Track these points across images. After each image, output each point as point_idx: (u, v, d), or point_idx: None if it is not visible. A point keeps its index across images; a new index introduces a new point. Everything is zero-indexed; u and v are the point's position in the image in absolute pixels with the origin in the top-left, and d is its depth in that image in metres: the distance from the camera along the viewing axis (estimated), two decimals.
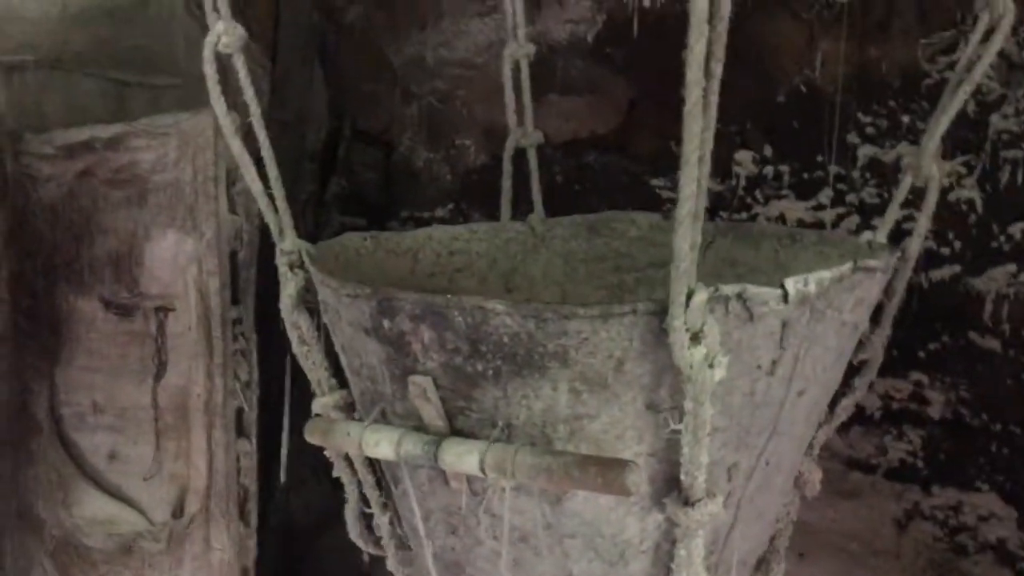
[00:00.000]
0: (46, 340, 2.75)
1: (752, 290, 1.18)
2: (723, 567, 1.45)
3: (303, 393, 3.29)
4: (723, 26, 1.05)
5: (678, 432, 1.20)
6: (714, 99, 1.08)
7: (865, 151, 2.55)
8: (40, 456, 2.77)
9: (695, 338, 1.13)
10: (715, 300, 1.15)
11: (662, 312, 1.14)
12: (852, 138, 2.57)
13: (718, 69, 1.07)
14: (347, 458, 1.62)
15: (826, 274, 1.26)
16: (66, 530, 2.73)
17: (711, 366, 1.14)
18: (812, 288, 1.24)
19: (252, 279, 2.57)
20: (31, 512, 2.80)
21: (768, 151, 2.70)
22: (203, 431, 2.54)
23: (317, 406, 1.60)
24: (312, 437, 1.45)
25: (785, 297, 1.21)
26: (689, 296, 1.12)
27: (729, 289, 1.17)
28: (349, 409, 1.59)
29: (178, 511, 2.62)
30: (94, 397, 2.73)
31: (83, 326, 2.70)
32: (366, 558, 2.74)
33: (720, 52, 1.06)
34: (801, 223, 2.64)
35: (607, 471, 1.17)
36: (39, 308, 2.77)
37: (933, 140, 1.51)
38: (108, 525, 2.67)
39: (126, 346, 2.67)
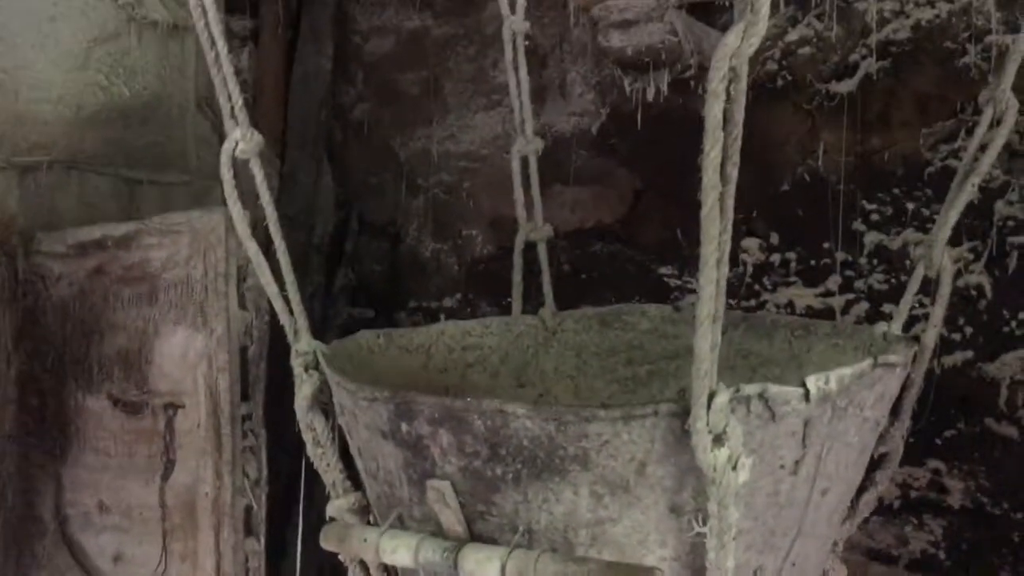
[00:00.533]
0: (53, 439, 2.73)
1: (773, 390, 1.17)
2: None
3: (311, 490, 3.25)
4: (737, 131, 1.07)
5: (702, 535, 1.18)
6: (730, 202, 1.09)
7: (871, 238, 2.57)
8: (45, 559, 2.73)
9: (718, 440, 1.12)
10: (737, 401, 1.14)
11: (684, 413, 1.13)
12: (857, 225, 2.59)
13: (734, 173, 1.08)
14: (363, 564, 1.59)
15: (847, 371, 1.25)
16: None
17: (734, 468, 1.13)
18: (833, 386, 1.23)
19: (262, 375, 2.56)
20: None
21: (775, 239, 2.72)
22: (211, 531, 2.50)
23: (331, 509, 1.58)
24: (328, 543, 1.43)
25: (807, 396, 1.20)
26: (711, 397, 1.11)
27: (751, 389, 1.16)
28: (364, 512, 1.56)
29: None
30: (100, 496, 2.69)
31: (91, 424, 2.68)
32: None
33: (735, 156, 1.07)
34: (810, 309, 2.64)
35: None
36: (47, 407, 2.76)
37: (944, 231, 1.52)
38: None
39: (134, 444, 2.64)
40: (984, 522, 2.44)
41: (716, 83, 1.05)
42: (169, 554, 2.56)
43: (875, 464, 1.59)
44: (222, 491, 2.50)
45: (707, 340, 1.10)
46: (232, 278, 2.50)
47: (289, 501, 3.28)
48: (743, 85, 1.06)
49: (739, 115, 1.07)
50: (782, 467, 1.24)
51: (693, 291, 2.86)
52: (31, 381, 2.76)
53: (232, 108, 1.50)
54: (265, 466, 2.56)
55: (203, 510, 2.51)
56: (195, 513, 2.54)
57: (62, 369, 2.73)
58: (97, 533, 2.69)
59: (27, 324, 2.76)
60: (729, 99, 1.05)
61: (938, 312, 1.56)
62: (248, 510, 2.53)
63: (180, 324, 2.55)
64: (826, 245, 2.63)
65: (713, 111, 1.04)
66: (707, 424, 1.11)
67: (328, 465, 1.58)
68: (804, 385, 1.21)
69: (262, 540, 2.54)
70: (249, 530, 2.53)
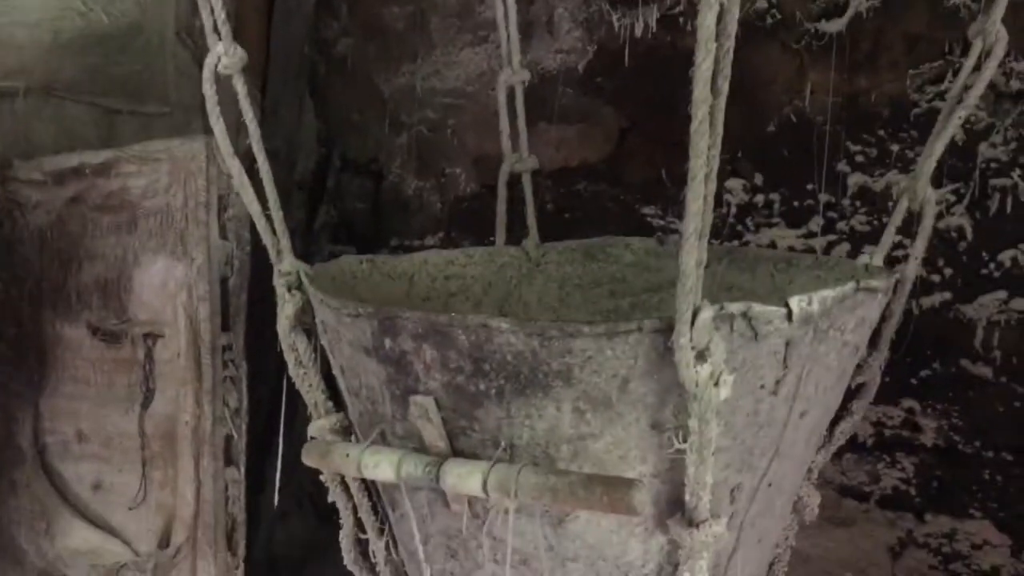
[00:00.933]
0: (31, 368, 2.72)
1: (757, 308, 1.18)
2: None
3: (291, 422, 3.25)
4: (729, 43, 1.06)
5: (682, 452, 1.19)
6: (720, 116, 1.08)
7: (855, 179, 2.58)
8: (23, 486, 2.73)
9: (701, 356, 1.13)
10: (721, 318, 1.15)
11: (667, 330, 1.14)
12: (842, 167, 2.59)
13: (725, 86, 1.07)
14: (343, 482, 1.60)
15: (829, 293, 1.26)
16: (48, 561, 2.67)
17: (716, 384, 1.14)
18: (815, 307, 1.24)
19: (243, 306, 2.54)
20: (13, 543, 2.74)
21: (759, 179, 2.72)
22: (191, 459, 2.50)
23: (313, 429, 1.58)
24: (309, 459, 1.43)
25: (789, 316, 1.21)
26: (695, 314, 1.11)
27: (735, 307, 1.17)
28: (345, 432, 1.57)
29: (164, 542, 2.57)
30: (79, 426, 2.68)
31: (69, 353, 2.67)
32: None
33: (727, 69, 1.06)
34: (792, 250, 2.65)
35: (613, 490, 1.16)
36: (25, 336, 2.74)
37: (929, 164, 1.52)
38: (92, 556, 2.62)
39: (113, 373, 2.63)
40: (956, 460, 2.48)
41: None
42: (149, 482, 2.57)
43: (852, 394, 1.61)
44: (202, 420, 2.50)
45: (692, 256, 1.10)
46: (213, 207, 2.48)
47: (269, 433, 3.29)
48: None
49: (732, 26, 1.06)
50: (762, 387, 1.26)
51: (676, 231, 2.86)
52: (8, 309, 2.74)
53: (215, 21, 1.48)
54: (245, 396, 2.56)
55: (183, 439, 2.52)
56: (175, 442, 2.55)
57: (40, 298, 2.70)
58: (76, 461, 2.69)
59: (3, 252, 2.72)
60: (722, 9, 1.04)
61: (919, 245, 1.57)
62: (228, 440, 2.53)
63: (160, 253, 2.53)
64: (810, 186, 2.63)
65: (706, 20, 1.03)
66: (691, 340, 1.11)
67: (310, 385, 1.58)
68: (787, 305, 1.21)
69: (242, 469, 2.55)
70: (229, 459, 2.54)
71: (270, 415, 3.28)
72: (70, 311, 2.65)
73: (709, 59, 1.05)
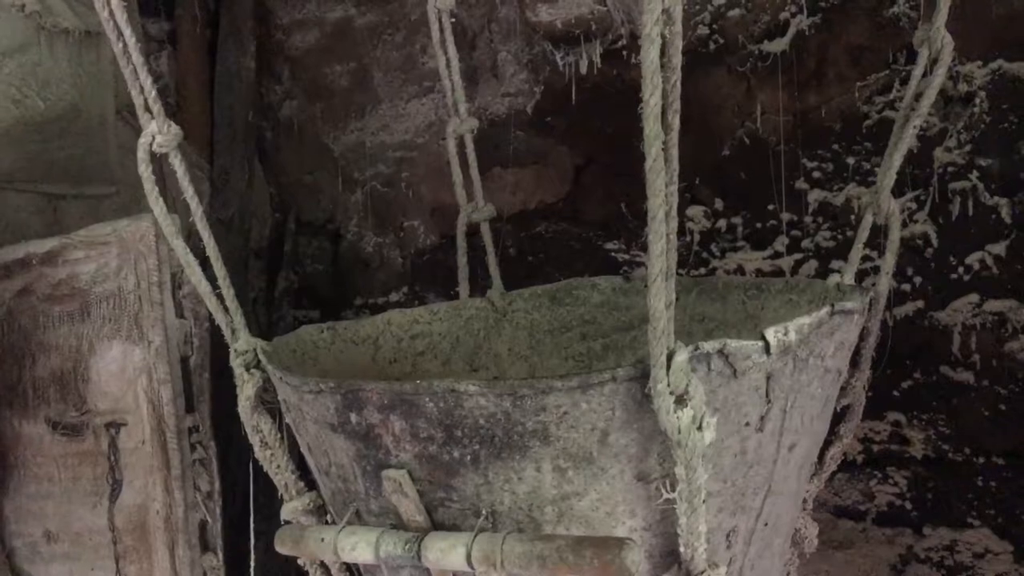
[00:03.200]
0: None
1: (733, 344, 1.14)
2: None
3: (271, 497, 3.16)
4: (676, 77, 1.03)
5: (672, 501, 1.13)
6: (674, 152, 1.05)
7: (815, 196, 2.56)
8: None
9: (680, 400, 1.08)
10: (697, 359, 1.10)
11: (643, 377, 1.09)
12: (800, 184, 2.58)
13: (675, 120, 1.03)
14: (323, 566, 1.52)
15: (805, 320, 1.22)
16: None
17: (700, 428, 1.09)
18: (793, 336, 1.20)
19: (206, 384, 2.46)
20: None
21: (719, 205, 2.70)
22: (166, 550, 2.40)
23: (286, 512, 1.51)
24: (283, 547, 1.36)
25: (767, 348, 1.17)
26: (670, 357, 1.07)
27: (709, 346, 1.12)
28: (320, 512, 1.50)
29: None
30: (46, 525, 2.57)
31: (31, 451, 2.56)
32: None
33: (676, 103, 1.03)
34: (760, 273, 2.63)
35: (603, 552, 1.10)
36: None
37: (889, 177, 1.50)
38: None
39: (77, 467, 2.53)
40: (948, 470, 2.45)
41: (650, 27, 1.00)
42: None
43: (839, 417, 1.57)
44: (174, 508, 2.40)
45: (661, 298, 1.06)
46: (167, 286, 2.40)
47: (247, 511, 3.18)
48: (678, 27, 1.02)
49: (676, 59, 1.02)
50: (747, 424, 1.21)
51: (642, 264, 2.83)
52: None
53: (145, 100, 1.43)
54: (217, 478, 2.46)
55: (155, 529, 2.42)
56: (147, 533, 2.44)
57: None
58: (46, 563, 2.58)
59: None
60: (665, 43, 1.01)
61: (889, 259, 1.55)
62: (203, 525, 2.44)
63: (115, 339, 2.44)
64: (771, 207, 2.61)
65: (650, 56, 0.99)
66: (668, 385, 1.07)
67: (279, 467, 1.52)
68: (763, 338, 1.17)
69: (220, 555, 2.45)
70: (206, 545, 2.44)
71: (247, 491, 3.18)
72: (27, 407, 2.55)
73: (657, 94, 1.01)
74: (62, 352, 2.51)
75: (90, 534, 2.50)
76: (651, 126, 1.02)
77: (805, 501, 1.55)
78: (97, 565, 2.49)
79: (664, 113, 1.03)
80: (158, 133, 1.42)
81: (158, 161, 1.47)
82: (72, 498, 2.52)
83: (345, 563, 1.49)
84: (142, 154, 1.43)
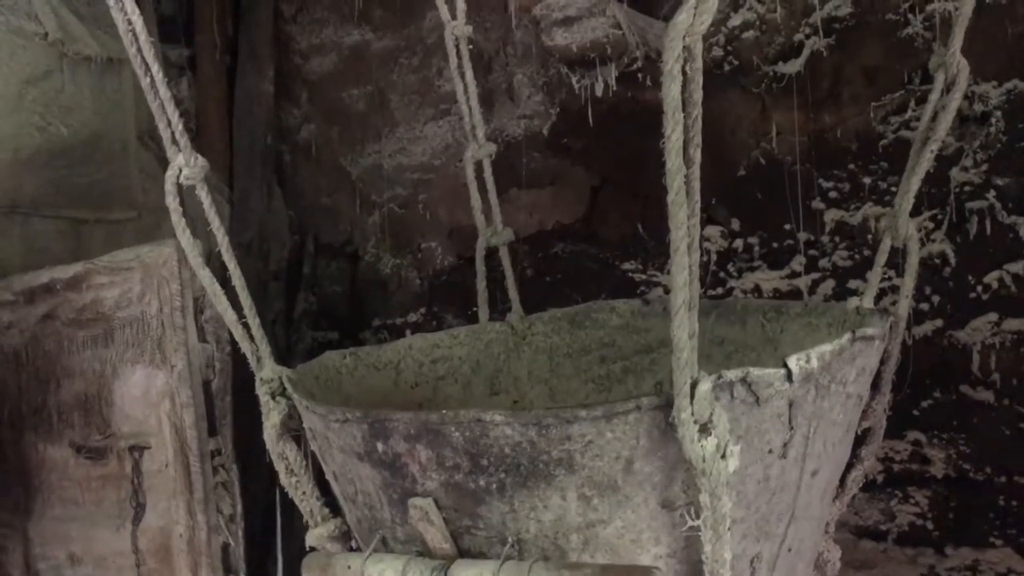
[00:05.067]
0: (17, 494, 2.63)
1: (756, 373, 1.15)
2: None
3: (291, 519, 3.17)
4: (697, 112, 1.04)
5: (696, 529, 1.14)
6: (696, 184, 1.06)
7: (831, 215, 2.57)
8: None
9: (704, 429, 1.09)
10: (720, 387, 1.11)
11: (667, 406, 1.10)
12: (816, 204, 2.58)
13: (697, 155, 1.05)
14: None
15: (827, 347, 1.23)
16: None
17: (723, 456, 1.10)
18: (815, 364, 1.21)
19: (228, 408, 2.49)
20: None
21: (735, 224, 2.71)
22: (189, 572, 2.41)
23: (311, 538, 1.52)
24: (310, 573, 1.37)
25: (789, 376, 1.18)
26: (693, 386, 1.08)
27: (732, 374, 1.13)
28: (345, 539, 1.51)
29: None
30: (71, 548, 2.59)
31: (55, 474, 2.59)
32: None
33: (697, 137, 1.05)
34: (777, 292, 2.63)
35: None
36: (7, 460, 2.66)
37: (907, 200, 1.51)
38: None
39: (101, 490, 2.55)
40: (969, 489, 2.44)
41: (671, 63, 1.02)
42: None
43: (859, 440, 1.58)
44: (197, 531, 2.42)
45: (684, 328, 1.07)
46: (189, 311, 2.43)
47: (268, 534, 3.20)
48: (699, 64, 1.04)
49: (697, 95, 1.04)
50: (770, 451, 1.22)
51: (659, 284, 2.84)
52: None
53: (172, 134, 1.45)
54: (239, 501, 2.49)
55: (178, 552, 2.43)
56: (170, 556, 2.46)
57: (20, 420, 2.63)
58: None
59: None
60: (686, 79, 1.02)
61: (908, 281, 1.55)
62: (225, 548, 2.46)
63: (139, 363, 2.47)
64: (787, 227, 2.62)
65: (671, 92, 1.01)
66: (692, 414, 1.08)
67: (304, 494, 1.53)
68: (786, 365, 1.18)
69: None
70: (228, 568, 2.46)
71: (269, 514, 3.20)
72: (52, 431, 2.58)
73: (679, 129, 1.03)
74: (86, 376, 2.54)
75: (114, 557, 2.52)
76: (673, 160, 1.03)
77: (827, 525, 1.55)
78: None
79: (686, 147, 1.04)
80: (185, 166, 1.45)
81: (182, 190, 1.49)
82: (96, 521, 2.55)
83: None
84: (169, 187, 1.45)
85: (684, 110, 1.03)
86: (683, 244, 1.05)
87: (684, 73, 1.02)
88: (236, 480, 2.48)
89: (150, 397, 2.46)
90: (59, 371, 2.57)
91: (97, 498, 2.57)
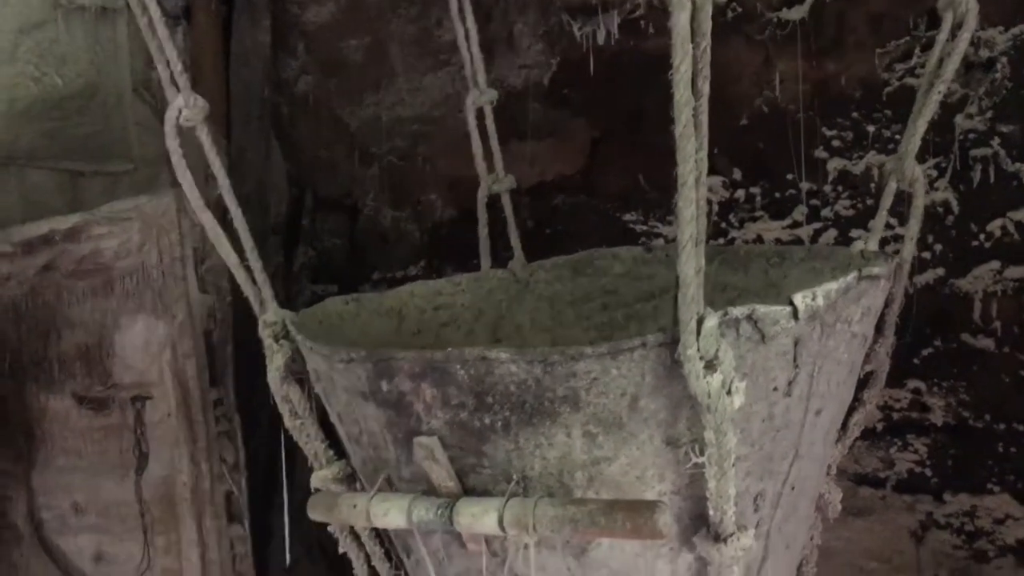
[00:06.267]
0: (20, 444, 2.65)
1: (762, 310, 1.14)
2: None
3: (293, 468, 3.19)
4: (706, 43, 1.03)
5: (701, 466, 1.14)
6: (704, 118, 1.05)
7: (834, 164, 2.55)
8: (23, 565, 2.65)
9: (710, 365, 1.09)
10: (726, 324, 1.11)
11: (673, 343, 1.10)
12: (819, 153, 2.57)
13: (705, 86, 1.04)
14: (352, 532, 1.54)
15: (832, 285, 1.22)
16: None
17: (729, 393, 1.10)
18: (821, 302, 1.20)
19: (230, 357, 2.50)
20: None
21: (737, 174, 2.70)
22: (193, 521, 2.44)
23: (316, 480, 1.52)
24: (315, 513, 1.38)
25: (795, 314, 1.17)
26: (700, 322, 1.07)
27: (739, 311, 1.13)
28: (350, 480, 1.51)
29: None
30: (74, 498, 2.62)
31: (57, 425, 2.60)
32: None
33: (706, 69, 1.03)
34: (779, 243, 2.62)
35: (635, 515, 1.11)
36: (9, 412, 2.67)
37: (913, 143, 1.50)
38: None
39: (104, 441, 2.57)
40: (968, 437, 2.45)
41: None
42: (152, 548, 2.50)
43: (862, 383, 1.58)
44: (200, 479, 2.44)
45: (691, 264, 1.07)
46: (189, 261, 2.43)
47: (271, 483, 3.22)
48: None
49: (706, 24, 1.02)
50: (775, 389, 1.22)
51: (660, 236, 2.83)
52: None
53: (171, 74, 1.43)
54: (242, 450, 2.50)
55: (182, 500, 2.46)
56: (174, 504, 2.49)
57: (21, 371, 2.64)
58: (75, 534, 2.63)
59: None
60: (695, 8, 1.01)
61: (913, 225, 1.54)
62: (228, 496, 2.48)
63: (139, 313, 2.47)
64: (790, 176, 2.61)
65: (680, 21, 0.99)
66: (698, 350, 1.07)
67: (308, 436, 1.53)
68: (791, 303, 1.17)
69: (246, 525, 2.50)
70: (232, 516, 2.49)
71: (270, 463, 3.21)
72: (53, 382, 2.59)
73: (687, 61, 1.01)
74: (87, 327, 2.54)
75: (118, 506, 2.55)
76: (681, 92, 1.02)
77: (829, 467, 1.56)
78: (126, 536, 2.54)
79: (694, 79, 1.03)
80: (185, 107, 1.43)
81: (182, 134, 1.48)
82: (99, 471, 2.57)
83: (375, 529, 1.50)
84: (169, 128, 1.44)
85: (692, 40, 1.01)
86: (691, 178, 1.04)
87: (693, 3, 1.01)
88: (238, 429, 2.49)
89: (151, 347, 2.47)
90: (59, 322, 2.57)
91: (100, 448, 2.58)
